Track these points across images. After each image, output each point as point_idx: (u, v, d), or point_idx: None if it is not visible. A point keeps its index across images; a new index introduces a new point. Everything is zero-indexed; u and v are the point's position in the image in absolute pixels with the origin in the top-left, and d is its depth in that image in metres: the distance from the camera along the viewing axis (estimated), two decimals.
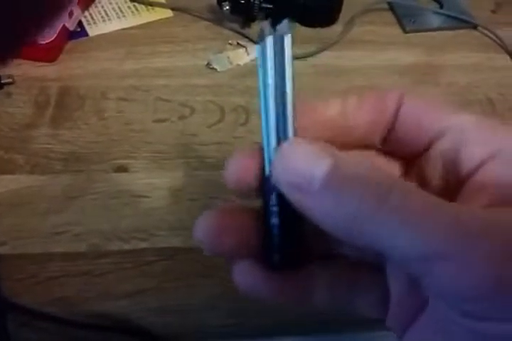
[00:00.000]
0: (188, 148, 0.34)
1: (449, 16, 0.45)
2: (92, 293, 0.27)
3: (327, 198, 0.13)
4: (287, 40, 0.14)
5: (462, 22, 0.45)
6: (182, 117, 0.36)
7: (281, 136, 0.15)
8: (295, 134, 0.15)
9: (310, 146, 0.14)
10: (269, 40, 0.14)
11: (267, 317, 0.27)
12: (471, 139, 0.15)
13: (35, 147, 0.33)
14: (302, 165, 0.13)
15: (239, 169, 0.16)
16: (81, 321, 0.26)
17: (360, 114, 0.16)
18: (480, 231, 0.12)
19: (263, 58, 0.14)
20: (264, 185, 0.15)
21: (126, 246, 0.29)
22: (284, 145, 0.14)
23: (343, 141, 0.16)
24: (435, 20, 0.45)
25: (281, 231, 0.15)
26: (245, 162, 0.15)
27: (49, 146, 0.34)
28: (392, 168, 0.18)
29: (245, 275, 0.16)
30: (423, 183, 0.16)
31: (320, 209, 0.13)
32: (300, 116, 0.15)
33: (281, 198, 0.14)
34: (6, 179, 0.32)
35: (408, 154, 0.17)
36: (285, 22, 0.15)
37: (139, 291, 0.28)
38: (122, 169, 0.33)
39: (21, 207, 0.30)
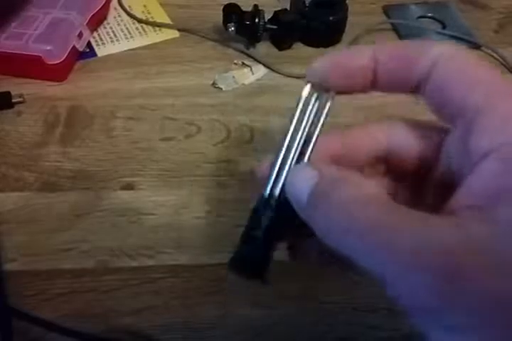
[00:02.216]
0: (195, 166, 0.35)
1: (451, 36, 0.46)
2: (99, 309, 0.28)
3: (310, 214, 0.16)
4: (329, 104, 0.18)
5: (465, 42, 0.46)
6: (188, 136, 0.37)
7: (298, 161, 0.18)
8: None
9: (308, 169, 0.17)
10: (314, 98, 0.18)
11: (275, 336, 0.27)
12: (482, 126, 0.15)
13: (45, 165, 0.34)
14: (298, 186, 0.17)
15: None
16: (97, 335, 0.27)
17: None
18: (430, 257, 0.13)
19: (305, 110, 0.18)
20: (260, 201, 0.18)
21: (134, 263, 0.29)
22: (294, 168, 0.18)
23: None
24: (438, 40, 0.46)
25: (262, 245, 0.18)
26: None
27: (58, 164, 0.34)
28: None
29: None
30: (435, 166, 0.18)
31: (308, 222, 0.16)
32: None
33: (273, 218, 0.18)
34: (15, 196, 0.32)
35: None
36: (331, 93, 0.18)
37: (146, 308, 0.28)
38: (129, 187, 0.33)
39: (30, 224, 0.31)
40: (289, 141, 0.18)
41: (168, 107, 0.39)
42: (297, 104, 0.18)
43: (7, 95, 0.37)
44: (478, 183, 0.15)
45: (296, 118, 0.18)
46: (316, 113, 0.18)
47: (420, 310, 0.13)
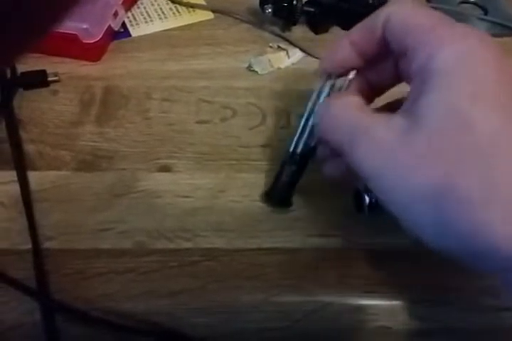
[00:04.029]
0: (231, 149, 0.34)
1: (494, 23, 0.44)
2: (136, 291, 0.28)
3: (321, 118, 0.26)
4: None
5: (508, 29, 0.44)
6: (224, 119, 0.36)
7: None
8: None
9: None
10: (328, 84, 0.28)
11: (314, 323, 0.27)
12: None
13: (81, 144, 0.34)
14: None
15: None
16: (119, 323, 0.26)
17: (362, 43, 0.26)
18: None
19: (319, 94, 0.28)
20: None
21: (171, 245, 0.29)
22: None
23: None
24: (480, 27, 0.45)
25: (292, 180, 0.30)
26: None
27: (95, 144, 0.34)
28: None
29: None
30: None
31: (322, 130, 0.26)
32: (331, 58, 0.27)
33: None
34: (53, 175, 0.32)
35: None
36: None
37: (183, 291, 0.28)
38: (165, 169, 0.33)
39: (68, 203, 0.31)
40: (308, 114, 0.29)
41: (204, 90, 0.38)
42: (316, 90, 0.28)
43: (43, 73, 0.37)
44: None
45: (314, 97, 0.29)
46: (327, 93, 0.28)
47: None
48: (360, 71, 0.27)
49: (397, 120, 0.21)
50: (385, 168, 0.21)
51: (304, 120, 0.29)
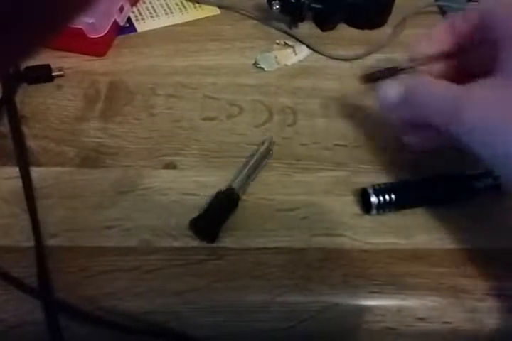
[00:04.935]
0: (237, 147, 0.34)
1: None
2: (141, 289, 0.27)
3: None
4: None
5: None
6: (230, 116, 0.36)
7: None
8: None
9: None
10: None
11: (320, 324, 0.27)
12: None
13: (86, 140, 0.34)
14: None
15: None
16: (122, 322, 0.26)
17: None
18: None
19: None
20: None
21: (176, 244, 0.29)
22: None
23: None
24: None
25: None
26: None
27: (99, 140, 0.34)
28: None
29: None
30: None
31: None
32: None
33: None
34: (56, 171, 0.32)
35: None
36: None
37: (188, 290, 0.27)
38: (171, 166, 0.33)
39: (72, 199, 0.30)
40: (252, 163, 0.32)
41: (210, 86, 0.38)
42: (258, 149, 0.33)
43: (47, 68, 0.37)
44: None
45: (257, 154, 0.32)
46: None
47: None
48: (451, 57, 0.30)
49: (491, 81, 0.25)
50: (490, 122, 0.23)
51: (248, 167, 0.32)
